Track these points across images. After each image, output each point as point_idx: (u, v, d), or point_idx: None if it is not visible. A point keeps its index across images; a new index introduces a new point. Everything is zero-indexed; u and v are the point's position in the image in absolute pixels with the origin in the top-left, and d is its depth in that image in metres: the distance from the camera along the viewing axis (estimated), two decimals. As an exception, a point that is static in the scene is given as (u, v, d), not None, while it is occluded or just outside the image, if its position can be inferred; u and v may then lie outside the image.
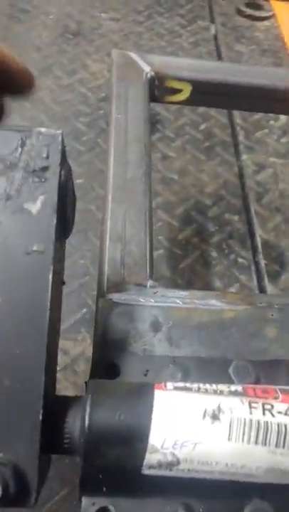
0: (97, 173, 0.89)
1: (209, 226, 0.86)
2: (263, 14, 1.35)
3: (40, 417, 0.25)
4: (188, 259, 0.80)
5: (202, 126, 1.03)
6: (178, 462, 0.27)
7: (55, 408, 0.27)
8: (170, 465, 0.27)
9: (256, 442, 0.27)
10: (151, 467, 0.27)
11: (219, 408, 0.27)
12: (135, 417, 0.26)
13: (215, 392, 0.28)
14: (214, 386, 0.29)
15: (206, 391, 0.28)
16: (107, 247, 0.43)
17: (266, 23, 1.34)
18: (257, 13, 1.34)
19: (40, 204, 0.26)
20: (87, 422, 0.26)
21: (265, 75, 0.63)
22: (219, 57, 1.21)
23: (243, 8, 1.35)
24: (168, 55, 1.17)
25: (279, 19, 1.35)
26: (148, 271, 0.42)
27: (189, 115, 1.05)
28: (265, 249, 0.83)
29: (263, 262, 0.81)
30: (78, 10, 1.29)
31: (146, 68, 0.60)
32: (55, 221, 0.26)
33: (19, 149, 0.27)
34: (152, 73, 0.60)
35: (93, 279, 0.75)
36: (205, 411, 0.27)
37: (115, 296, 0.39)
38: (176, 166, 0.94)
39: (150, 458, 0.26)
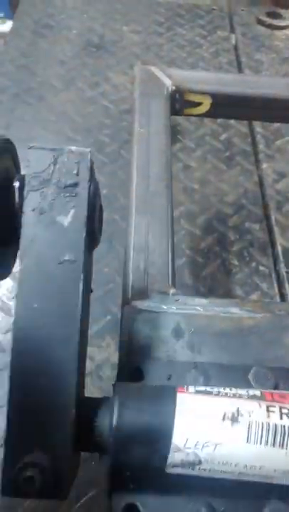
0: (121, 184, 0.91)
1: (230, 235, 0.87)
2: (283, 23, 1.36)
3: (73, 416, 0.27)
4: (209, 267, 0.81)
5: (222, 136, 1.04)
6: (200, 462, 0.28)
7: (85, 409, 0.29)
8: (192, 464, 0.28)
9: (273, 445, 0.28)
10: (174, 466, 0.28)
11: (238, 411, 0.29)
12: (159, 417, 0.28)
13: (234, 396, 0.30)
14: (234, 390, 0.30)
15: (226, 395, 0.30)
16: (132, 257, 0.44)
17: (286, 31, 1.35)
18: (277, 22, 1.35)
19: (71, 217, 0.28)
20: (115, 422, 0.28)
21: (283, 85, 0.65)
22: (239, 66, 1.22)
23: (263, 18, 1.36)
24: (189, 67, 1.20)
25: (299, 28, 1.36)
26: (170, 279, 0.44)
27: (210, 125, 1.06)
28: (286, 257, 0.84)
29: (283, 270, 0.82)
30: (100, 24, 1.32)
31: (168, 82, 0.62)
32: (84, 233, 0.29)
33: (52, 167, 0.29)
34: (173, 87, 0.62)
35: (117, 287, 0.77)
36: (225, 414, 0.29)
37: (139, 304, 0.40)
38: (197, 176, 0.96)
39: (174, 457, 0.28)
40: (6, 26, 1.30)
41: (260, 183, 0.96)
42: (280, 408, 0.29)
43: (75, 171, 0.29)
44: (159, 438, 0.28)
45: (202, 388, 0.30)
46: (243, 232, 0.87)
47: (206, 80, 0.63)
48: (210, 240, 0.86)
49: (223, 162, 0.99)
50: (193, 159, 0.99)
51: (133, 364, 0.36)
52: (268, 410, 0.29)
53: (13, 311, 0.77)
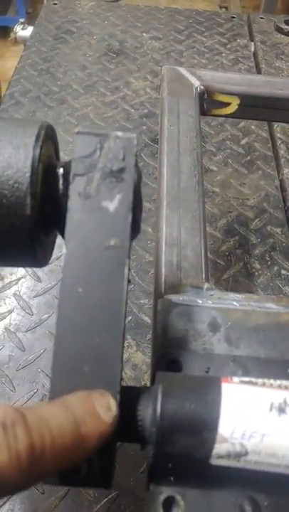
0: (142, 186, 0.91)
1: (252, 238, 0.86)
2: (302, 31, 1.36)
3: (118, 405, 0.26)
4: (231, 270, 0.81)
5: (243, 141, 1.04)
6: (246, 453, 0.27)
7: (126, 398, 0.28)
8: (238, 455, 0.27)
9: None
10: (219, 457, 0.28)
11: (285, 402, 0.28)
12: (205, 406, 0.28)
13: (280, 387, 0.29)
14: (278, 381, 0.30)
15: (271, 386, 0.29)
16: (164, 251, 0.44)
17: (305, 40, 1.35)
18: (296, 31, 1.36)
19: (117, 202, 0.28)
20: (158, 411, 0.27)
21: (312, 88, 0.64)
22: (259, 73, 1.22)
23: (282, 26, 1.36)
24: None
25: None
26: (203, 274, 0.43)
27: (230, 130, 1.06)
28: (309, 261, 0.83)
29: (306, 274, 0.81)
30: (120, 30, 1.33)
31: (196, 83, 0.62)
32: (130, 218, 0.28)
33: (98, 152, 0.29)
34: (202, 87, 0.62)
35: (138, 288, 0.77)
36: (271, 404, 0.28)
37: (174, 297, 0.40)
38: (218, 180, 0.95)
39: (219, 447, 0.27)
40: (27, 31, 1.31)
41: (282, 188, 0.96)
42: None
43: (121, 157, 0.29)
44: (204, 428, 0.27)
45: (246, 379, 0.30)
46: (265, 236, 0.87)
47: (234, 80, 0.63)
48: (231, 243, 0.85)
49: (243, 166, 0.99)
50: (214, 163, 0.98)
51: (170, 356, 0.36)
52: (315, 402, 0.28)
53: (33, 310, 0.76)
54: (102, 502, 0.57)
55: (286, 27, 1.36)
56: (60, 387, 0.26)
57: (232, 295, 0.41)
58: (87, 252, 0.28)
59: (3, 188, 0.28)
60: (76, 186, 0.28)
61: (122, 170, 0.29)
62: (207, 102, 0.63)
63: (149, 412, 0.28)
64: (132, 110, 1.09)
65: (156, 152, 1.01)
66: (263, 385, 0.29)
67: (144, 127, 1.06)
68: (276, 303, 0.40)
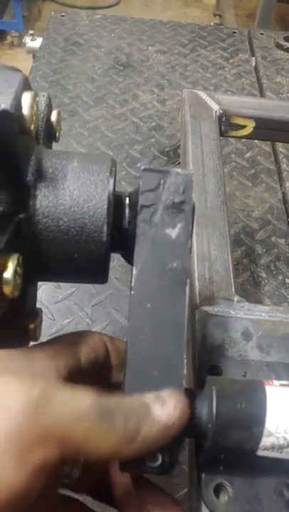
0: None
1: (258, 248, 0.91)
2: (301, 48, 1.42)
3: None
4: (239, 279, 0.86)
5: (247, 155, 1.09)
6: (288, 445, 0.32)
7: (184, 398, 0.33)
8: (281, 447, 0.32)
9: None
10: (265, 449, 0.32)
11: None
12: (253, 406, 0.32)
13: (314, 389, 0.34)
14: (311, 385, 0.35)
15: (306, 388, 0.34)
16: (196, 266, 0.49)
17: (304, 56, 1.41)
18: (295, 47, 1.41)
19: (178, 230, 0.33)
20: (214, 410, 0.32)
21: None
22: (261, 88, 1.28)
23: (281, 42, 1.42)
24: (213, 87, 1.25)
25: (315, 52, 1.42)
26: (233, 287, 0.48)
27: (234, 144, 1.11)
28: (311, 271, 0.88)
29: (309, 283, 0.87)
30: (126, 43, 1.38)
31: (215, 107, 0.67)
32: (190, 243, 0.33)
33: (161, 186, 0.33)
34: (221, 111, 0.67)
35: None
36: (308, 404, 0.33)
37: (209, 309, 0.45)
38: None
39: (266, 441, 0.32)
40: (37, 43, 1.35)
41: (284, 200, 1.01)
42: None
43: (181, 190, 0.33)
44: (253, 424, 0.32)
45: (285, 382, 0.34)
46: (270, 246, 0.92)
47: (249, 104, 0.68)
48: (239, 253, 0.90)
49: (248, 179, 1.04)
50: (221, 176, 1.03)
51: (211, 361, 0.40)
52: None
53: (54, 315, 0.80)
54: None
55: (285, 43, 1.41)
56: (133, 390, 0.31)
57: (260, 306, 0.46)
58: (153, 272, 0.32)
59: (85, 217, 0.32)
60: (143, 216, 0.33)
61: (182, 202, 0.33)
62: (225, 125, 0.68)
63: (204, 411, 0.33)
64: (141, 123, 1.14)
65: (164, 164, 1.06)
66: (300, 387, 0.34)
67: (153, 140, 1.11)
68: (299, 314, 0.45)
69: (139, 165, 1.04)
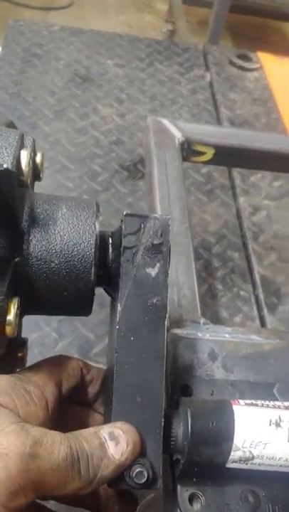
0: (114, 213, 0.99)
1: (214, 262, 0.97)
2: (252, 66, 1.49)
3: (162, 426, 0.35)
4: (199, 292, 0.91)
5: (203, 170, 1.15)
6: (253, 457, 0.37)
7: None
8: (247, 460, 0.37)
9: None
10: (233, 461, 0.37)
11: (280, 418, 0.38)
12: (223, 424, 0.37)
13: (274, 406, 0.39)
14: (272, 403, 0.40)
15: (268, 406, 0.39)
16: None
17: (255, 73, 1.48)
18: (246, 65, 1.49)
19: (157, 269, 0.37)
20: (190, 429, 0.36)
21: (274, 140, 0.76)
22: (215, 104, 1.34)
23: (234, 60, 1.49)
24: (169, 102, 1.30)
25: (265, 70, 1.50)
26: (199, 310, 0.52)
27: (191, 159, 1.17)
28: (264, 283, 0.95)
29: (262, 295, 0.93)
30: (85, 56, 1.41)
31: (178, 134, 0.71)
32: (167, 281, 0.37)
33: (142, 229, 0.37)
34: (183, 138, 0.71)
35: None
36: (270, 420, 0.38)
37: (178, 331, 0.49)
38: (183, 207, 1.05)
39: (234, 454, 0.37)
40: (-5, 52, 1.35)
41: (238, 215, 1.07)
42: (309, 416, 0.38)
43: (159, 233, 0.37)
44: (223, 440, 0.37)
45: (249, 401, 0.39)
46: (226, 260, 0.98)
47: (209, 133, 0.73)
48: (197, 267, 0.95)
49: (204, 195, 1.10)
50: (179, 191, 1.08)
51: (182, 381, 0.45)
52: (300, 418, 0.38)
53: (22, 330, 0.82)
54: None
55: (238, 61, 1.48)
56: (119, 414, 0.35)
57: (222, 328, 0.51)
58: (136, 308, 0.36)
59: (74, 260, 0.36)
60: (126, 256, 0.37)
61: (160, 244, 0.37)
62: (186, 151, 0.72)
63: (180, 430, 0.37)
64: (102, 137, 1.17)
65: (125, 178, 1.09)
66: (262, 405, 0.39)
67: (114, 154, 1.14)
68: (258, 334, 0.50)
69: (100, 179, 1.08)
